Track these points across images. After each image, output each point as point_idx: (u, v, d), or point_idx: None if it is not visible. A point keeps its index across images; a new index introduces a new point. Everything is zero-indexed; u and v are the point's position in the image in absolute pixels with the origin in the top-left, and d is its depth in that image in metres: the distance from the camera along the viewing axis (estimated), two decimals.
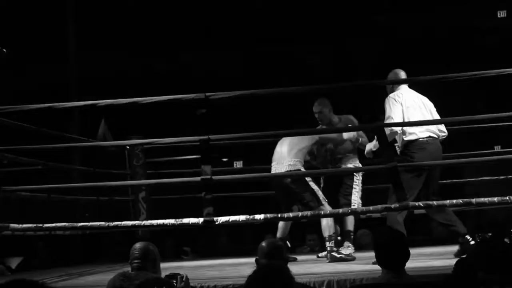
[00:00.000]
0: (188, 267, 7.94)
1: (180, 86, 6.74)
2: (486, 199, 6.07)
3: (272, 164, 7.66)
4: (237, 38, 13.73)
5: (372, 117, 7.46)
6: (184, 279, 4.64)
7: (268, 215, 6.31)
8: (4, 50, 5.83)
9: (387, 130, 6.80)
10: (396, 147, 7.08)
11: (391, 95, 6.97)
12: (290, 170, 7.40)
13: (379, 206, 6.24)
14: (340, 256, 7.32)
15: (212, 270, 7.25)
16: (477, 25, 13.04)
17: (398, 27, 13.47)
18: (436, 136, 6.94)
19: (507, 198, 5.90)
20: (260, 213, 6.23)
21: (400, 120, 6.83)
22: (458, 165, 7.09)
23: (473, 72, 6.33)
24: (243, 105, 11.81)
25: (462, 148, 8.65)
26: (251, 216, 6.34)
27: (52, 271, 8.03)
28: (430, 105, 7.08)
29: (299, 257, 8.37)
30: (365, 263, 6.67)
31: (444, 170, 8.11)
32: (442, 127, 7.02)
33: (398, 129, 6.82)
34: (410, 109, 6.90)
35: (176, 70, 13.91)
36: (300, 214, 6.64)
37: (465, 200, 6.16)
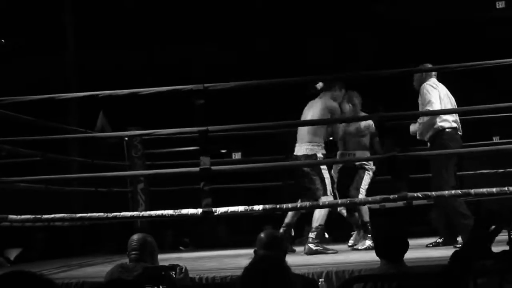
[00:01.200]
0: (187, 258, 7.95)
1: (180, 80, 6.75)
2: (484, 190, 6.05)
3: (296, 145, 7.57)
4: (235, 33, 13.69)
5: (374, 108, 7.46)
6: (183, 271, 4.65)
7: (267, 206, 6.31)
8: (3, 40, 5.80)
9: (427, 117, 7.07)
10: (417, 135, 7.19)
11: (427, 83, 7.14)
12: (308, 155, 7.36)
13: (377, 197, 6.24)
14: (316, 249, 7.26)
15: (211, 261, 7.26)
16: (476, 16, 13.00)
17: (398, 18, 13.42)
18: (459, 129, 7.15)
19: (506, 188, 5.90)
20: (259, 204, 6.24)
21: (439, 106, 6.99)
22: (460, 154, 7.13)
23: (474, 62, 6.35)
24: (242, 97, 11.79)
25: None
26: (250, 207, 6.35)
27: (52, 263, 8.03)
28: (453, 99, 7.21)
29: (298, 248, 8.37)
30: (363, 254, 6.67)
31: None
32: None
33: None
34: (445, 98, 7.11)
35: (176, 63, 13.87)
36: (299, 204, 6.64)
37: (464, 190, 6.16)
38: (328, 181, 7.40)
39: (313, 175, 7.35)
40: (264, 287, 2.63)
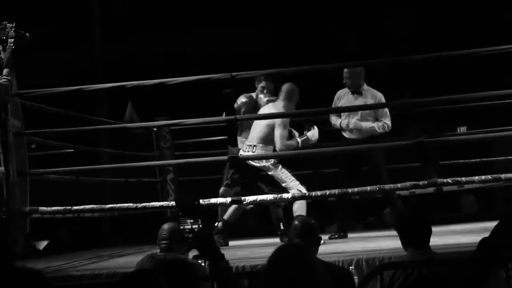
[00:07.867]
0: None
1: (208, 67, 6.75)
2: None
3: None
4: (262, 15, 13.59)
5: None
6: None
7: (296, 194, 6.30)
8: (27, 34, 5.83)
9: None
10: None
11: None
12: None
13: (407, 183, 6.19)
14: None
15: (241, 250, 7.25)
16: None
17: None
18: None
19: None
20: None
21: None
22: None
23: None
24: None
25: None
26: (279, 195, 6.34)
27: (83, 254, 8.08)
28: None
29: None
30: (394, 241, 6.63)
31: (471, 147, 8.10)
32: None
33: None
34: None
35: (203, 50, 13.80)
36: (337, 191, 6.51)
37: (494, 176, 6.09)
38: None
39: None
40: (288, 275, 2.60)
